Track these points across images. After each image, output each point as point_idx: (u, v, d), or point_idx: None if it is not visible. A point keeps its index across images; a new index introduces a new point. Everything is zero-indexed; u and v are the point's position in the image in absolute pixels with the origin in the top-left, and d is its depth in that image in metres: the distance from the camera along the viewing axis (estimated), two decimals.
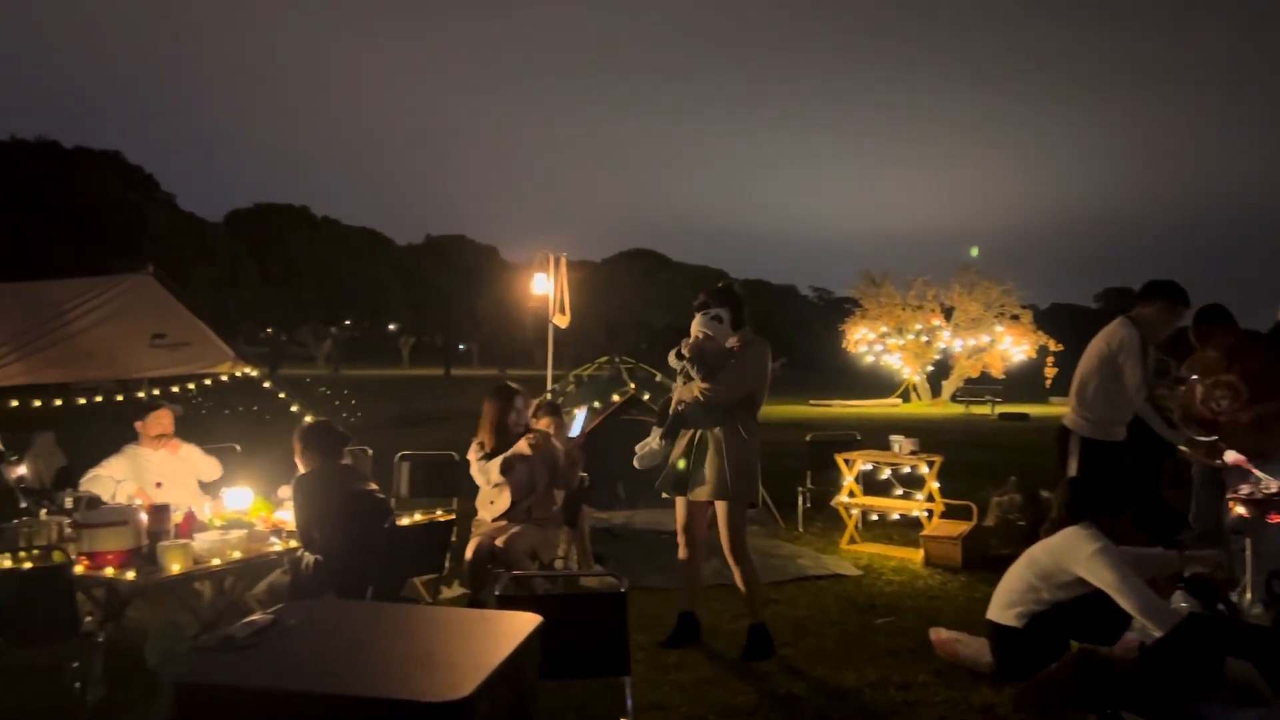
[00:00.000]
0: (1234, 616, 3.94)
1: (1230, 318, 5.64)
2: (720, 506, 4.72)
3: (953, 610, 5.61)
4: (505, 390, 5.48)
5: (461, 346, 66.46)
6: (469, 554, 5.12)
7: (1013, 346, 32.09)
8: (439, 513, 5.01)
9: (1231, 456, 5.13)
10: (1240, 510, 4.73)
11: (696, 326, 4.77)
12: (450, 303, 56.30)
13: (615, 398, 8.25)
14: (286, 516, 4.71)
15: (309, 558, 4.26)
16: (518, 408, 5.42)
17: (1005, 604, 4.00)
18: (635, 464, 4.98)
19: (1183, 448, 5.28)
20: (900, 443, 7.29)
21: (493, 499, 5.30)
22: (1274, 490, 4.70)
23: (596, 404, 8.15)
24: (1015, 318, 32.36)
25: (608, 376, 8.80)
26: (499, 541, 5.06)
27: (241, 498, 5.08)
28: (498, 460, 5.20)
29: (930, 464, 7.13)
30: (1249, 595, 4.77)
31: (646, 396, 8.22)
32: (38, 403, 6.56)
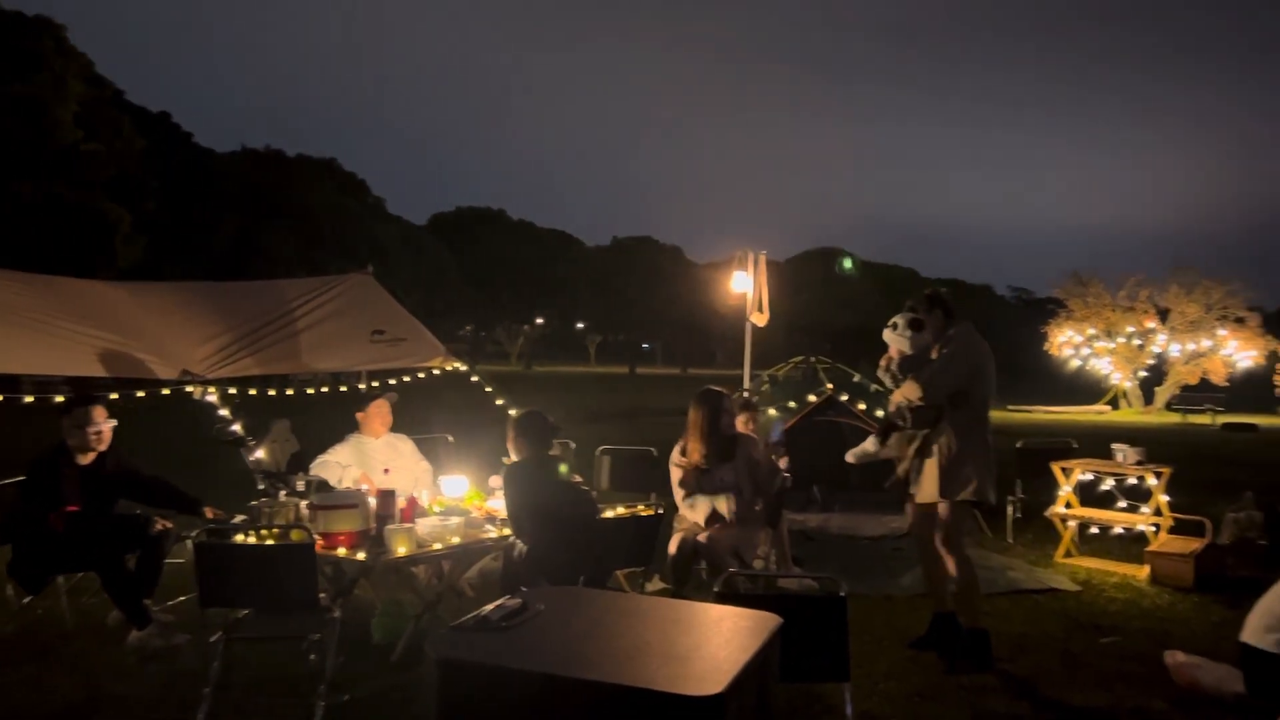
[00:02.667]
0: None
1: None
2: (942, 503, 4.62)
3: (1185, 633, 5.19)
4: (712, 395, 5.40)
5: (645, 345, 67.41)
6: (672, 549, 5.14)
7: (1237, 352, 29.51)
8: (643, 507, 5.05)
9: None
10: None
11: (893, 342, 4.78)
12: (635, 302, 57.20)
13: (811, 398, 8.10)
14: (498, 505, 4.87)
15: (520, 545, 4.39)
16: (727, 410, 5.38)
17: (1265, 627, 3.63)
18: (847, 458, 5.05)
19: None
20: (1125, 452, 6.80)
21: (694, 505, 5.28)
22: None
23: (792, 404, 8.04)
24: (1240, 321, 29.75)
25: (802, 376, 8.67)
26: (702, 538, 5.06)
27: (458, 485, 5.29)
28: (703, 507, 5.15)
29: (1158, 475, 6.62)
30: None
31: (845, 397, 8.04)
32: (272, 391, 7.09)
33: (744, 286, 7.89)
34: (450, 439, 7.08)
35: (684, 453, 5.28)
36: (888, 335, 4.86)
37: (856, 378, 8.57)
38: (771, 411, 8.05)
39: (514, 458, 4.52)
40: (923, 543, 4.90)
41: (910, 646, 4.82)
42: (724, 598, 2.96)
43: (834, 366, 8.68)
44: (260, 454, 6.02)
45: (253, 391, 6.79)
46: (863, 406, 7.95)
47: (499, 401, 7.08)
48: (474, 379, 7.34)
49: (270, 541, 4.05)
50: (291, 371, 7.06)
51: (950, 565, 4.64)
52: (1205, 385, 29.22)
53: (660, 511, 4.99)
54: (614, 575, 5.07)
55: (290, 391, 7.34)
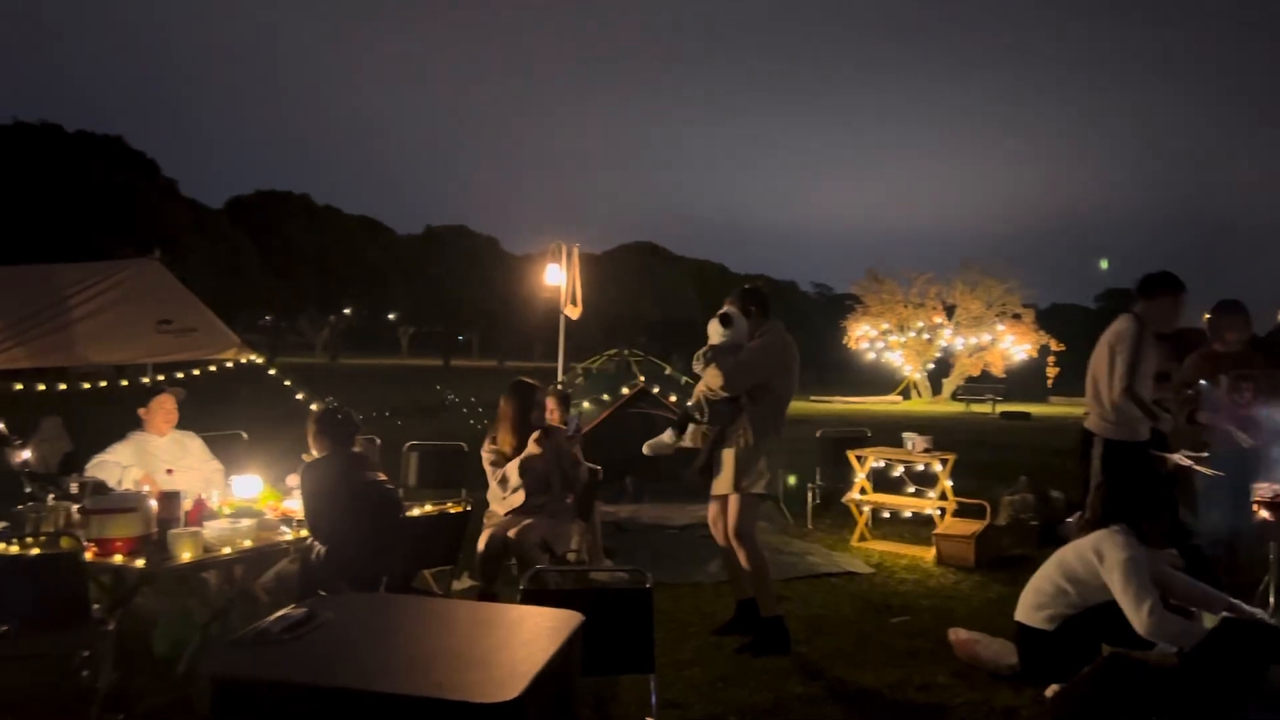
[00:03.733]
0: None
1: (1246, 312, 5.62)
2: (731, 500, 4.72)
3: (968, 610, 5.54)
4: (524, 387, 5.36)
5: (460, 337, 66.32)
6: (481, 546, 5.05)
7: (1014, 345, 32.02)
8: (451, 504, 4.93)
9: (1179, 456, 5.11)
10: (1264, 514, 4.66)
11: (711, 334, 4.85)
12: (450, 293, 56.12)
13: (624, 391, 8.17)
14: (295, 505, 4.64)
15: (319, 547, 4.19)
16: (539, 403, 5.33)
17: (1034, 606, 3.92)
18: (644, 449, 5.07)
19: (1179, 458, 5.22)
20: (914, 440, 7.22)
21: (505, 495, 5.22)
22: None
23: (605, 397, 8.08)
24: (1017, 317, 32.29)
25: (615, 369, 8.73)
26: (511, 533, 4.99)
27: (251, 485, 5.00)
28: (515, 465, 5.10)
29: (944, 462, 7.06)
30: (1271, 600, 4.72)
31: (656, 390, 8.14)
32: (41, 386, 6.48)
33: (557, 279, 7.85)
34: (245, 436, 6.69)
35: (494, 443, 5.22)
36: (710, 326, 4.93)
37: (668, 370, 8.71)
38: (586, 405, 8.07)
39: (313, 455, 4.31)
40: (719, 529, 4.98)
41: (715, 633, 4.92)
42: (530, 595, 2.92)
43: (646, 359, 8.79)
44: (27, 454, 5.51)
45: (19, 386, 6.19)
46: (674, 399, 8.09)
47: (299, 396, 6.76)
48: (271, 372, 6.97)
49: (35, 551, 3.69)
50: (68, 364, 6.50)
51: (742, 557, 4.75)
52: (986, 376, 31.55)
53: (469, 508, 4.89)
54: (421, 575, 4.93)
55: (64, 386, 6.73)
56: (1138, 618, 3.54)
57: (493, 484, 5.18)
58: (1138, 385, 4.76)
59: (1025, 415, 23.74)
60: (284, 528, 4.53)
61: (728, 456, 4.73)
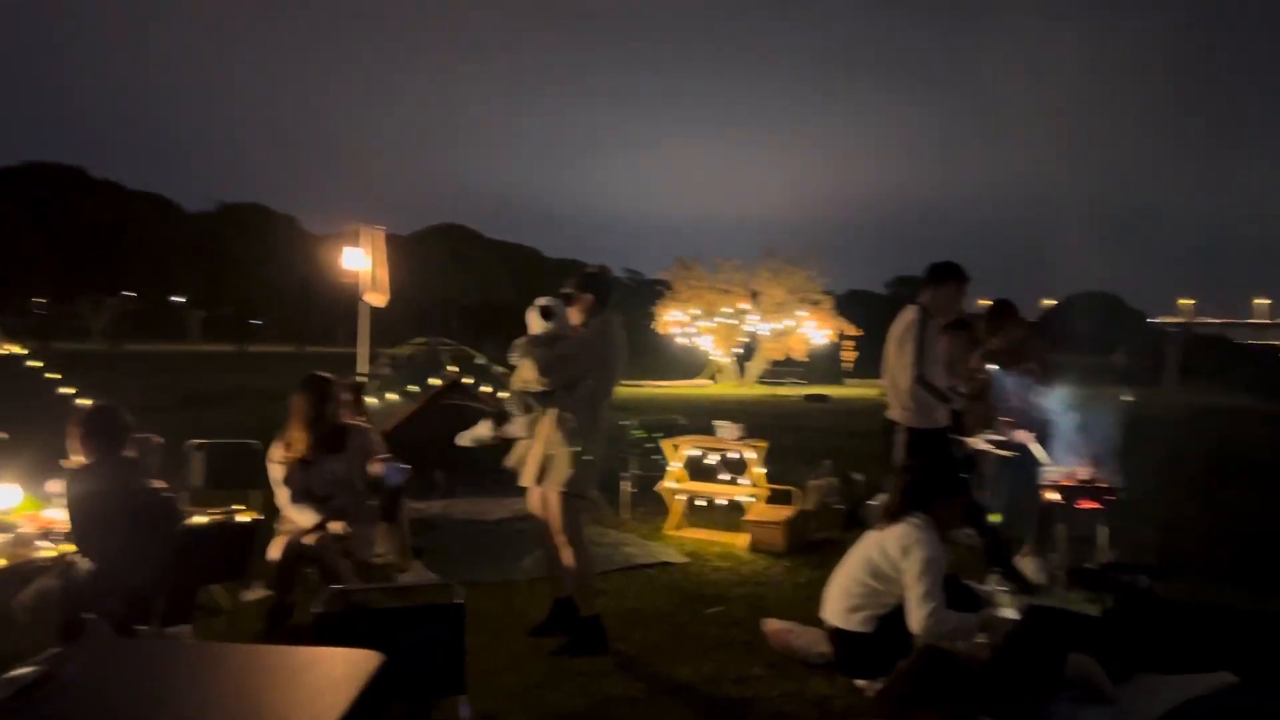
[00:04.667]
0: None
1: (1017, 311, 5.98)
2: (552, 494, 4.56)
3: (778, 597, 5.61)
4: (317, 381, 4.98)
5: (257, 321, 62.87)
6: (274, 553, 4.67)
7: (814, 331, 33.40)
8: (240, 510, 4.52)
9: (1022, 434, 5.40)
10: (1053, 496, 4.94)
11: (532, 324, 4.63)
12: (245, 274, 53.05)
13: (434, 381, 7.85)
14: (58, 515, 4.14)
15: (85, 564, 3.75)
16: (334, 397, 4.98)
17: (847, 609, 3.96)
18: (458, 440, 4.89)
19: (977, 442, 5.49)
20: (726, 427, 7.27)
21: (297, 511, 4.82)
22: (1085, 477, 4.94)
23: (414, 388, 7.74)
24: (816, 303, 33.68)
25: (425, 358, 8.38)
26: (309, 539, 4.65)
27: (8, 495, 4.43)
28: (310, 513, 4.72)
29: (756, 449, 7.16)
30: (1058, 580, 5.01)
31: (470, 380, 7.87)
32: None
33: (358, 264, 7.41)
34: (4, 435, 5.96)
35: (287, 446, 4.83)
36: (528, 317, 4.70)
37: (481, 359, 8.43)
38: (390, 396, 7.70)
39: (78, 460, 3.85)
40: (542, 527, 4.85)
41: (531, 634, 4.75)
42: (326, 619, 2.66)
43: (458, 348, 8.49)
44: None
45: None
46: (489, 389, 7.84)
47: (67, 390, 6.09)
48: (31, 363, 6.25)
49: None
50: None
51: (567, 556, 4.62)
52: (789, 361, 32.81)
53: (260, 516, 4.50)
54: (206, 590, 4.52)
55: None
56: (918, 614, 3.67)
57: (281, 495, 4.79)
58: (928, 372, 4.94)
59: (825, 398, 24.77)
60: (43, 542, 4.03)
61: (539, 451, 4.57)
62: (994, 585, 5.19)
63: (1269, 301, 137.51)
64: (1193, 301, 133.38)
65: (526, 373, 4.58)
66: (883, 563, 3.84)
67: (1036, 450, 5.40)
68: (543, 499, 4.70)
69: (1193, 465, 9.47)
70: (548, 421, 4.58)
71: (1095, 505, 4.83)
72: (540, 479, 4.56)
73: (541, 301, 4.72)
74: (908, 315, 5.07)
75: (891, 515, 3.94)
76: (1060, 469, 5.14)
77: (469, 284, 55.47)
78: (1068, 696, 2.66)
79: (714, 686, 4.18)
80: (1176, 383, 31.44)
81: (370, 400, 7.28)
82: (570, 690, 4.08)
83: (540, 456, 4.56)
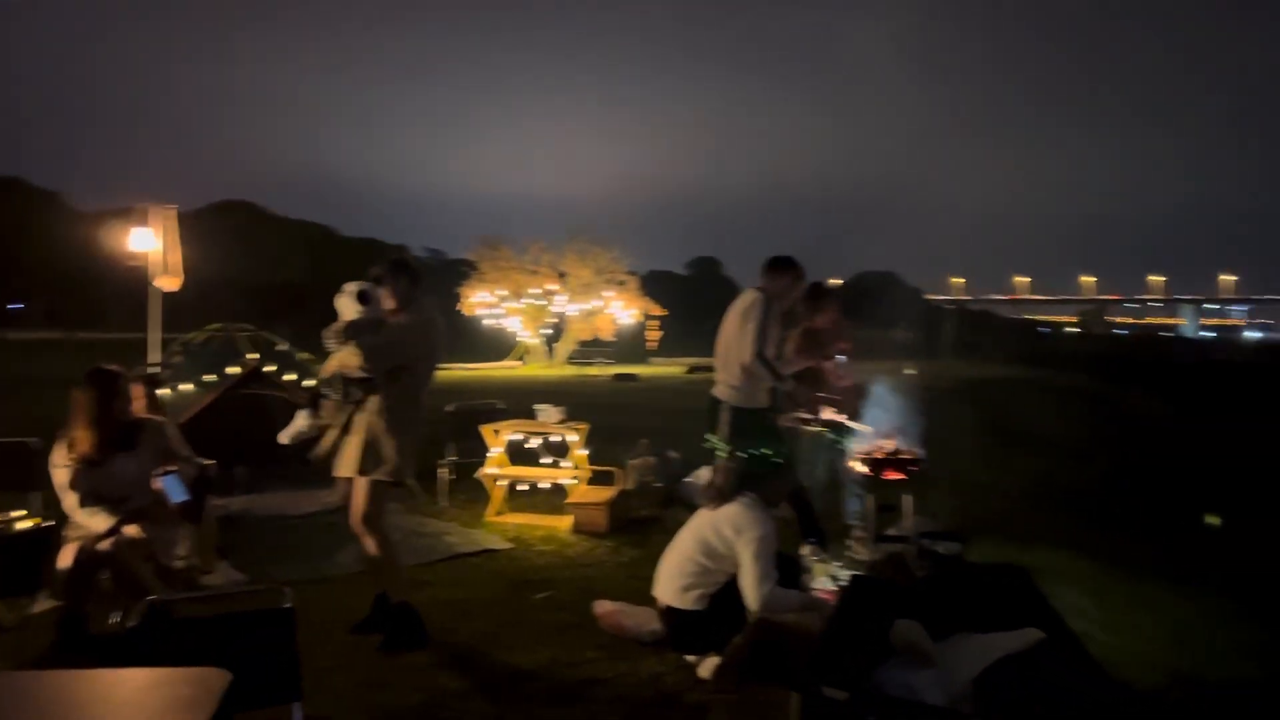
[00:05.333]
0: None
1: (832, 292, 6.28)
2: (358, 482, 4.40)
3: (605, 577, 5.65)
4: (103, 375, 4.55)
5: (16, 305, 57.25)
6: (64, 562, 4.26)
7: (621, 311, 33.86)
8: (20, 518, 4.10)
9: (830, 413, 5.68)
10: (861, 468, 5.21)
11: (344, 311, 4.44)
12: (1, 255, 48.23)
13: (233, 370, 7.39)
14: None
15: None
16: (122, 392, 4.59)
17: (681, 588, 4.02)
18: (280, 439, 4.69)
19: (794, 419, 5.74)
20: (547, 411, 7.24)
21: (88, 515, 4.42)
22: (891, 449, 5.24)
23: (211, 377, 7.26)
24: (622, 283, 34.15)
25: (220, 346, 7.87)
26: (104, 545, 4.27)
27: None
28: (103, 516, 4.34)
29: (577, 431, 7.16)
30: (863, 547, 5.30)
31: (271, 368, 7.45)
32: None
33: (147, 245, 6.86)
34: None
35: (70, 446, 4.41)
36: (339, 302, 4.51)
37: (283, 346, 8.01)
38: (185, 386, 7.20)
39: None
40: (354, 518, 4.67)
41: (354, 631, 4.57)
42: (141, 633, 2.45)
43: (256, 334, 8.02)
44: None
45: None
46: (291, 377, 7.46)
47: None
48: None
49: None
50: None
51: (368, 545, 4.48)
52: (597, 340, 33.13)
53: (50, 523, 4.09)
54: None
55: None
56: (754, 591, 3.79)
57: (68, 500, 4.38)
58: (766, 351, 5.11)
59: (633, 377, 25.16)
60: None
61: (355, 440, 4.41)
62: (809, 556, 5.44)
63: (1029, 280, 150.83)
64: (962, 280, 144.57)
65: (347, 359, 4.39)
66: (716, 542, 3.93)
67: (847, 425, 5.69)
68: (349, 486, 4.54)
69: (978, 433, 10.25)
70: (369, 409, 4.42)
71: (900, 476, 5.14)
72: (361, 468, 4.39)
73: (354, 286, 4.55)
74: (749, 296, 5.23)
75: (723, 495, 4.03)
76: (867, 443, 5.43)
77: (256, 264, 52.60)
78: (896, 662, 2.80)
79: (549, 672, 4.16)
80: (952, 355, 33.90)
81: (162, 391, 6.77)
82: (403, 687, 3.96)
83: (360, 445, 4.39)
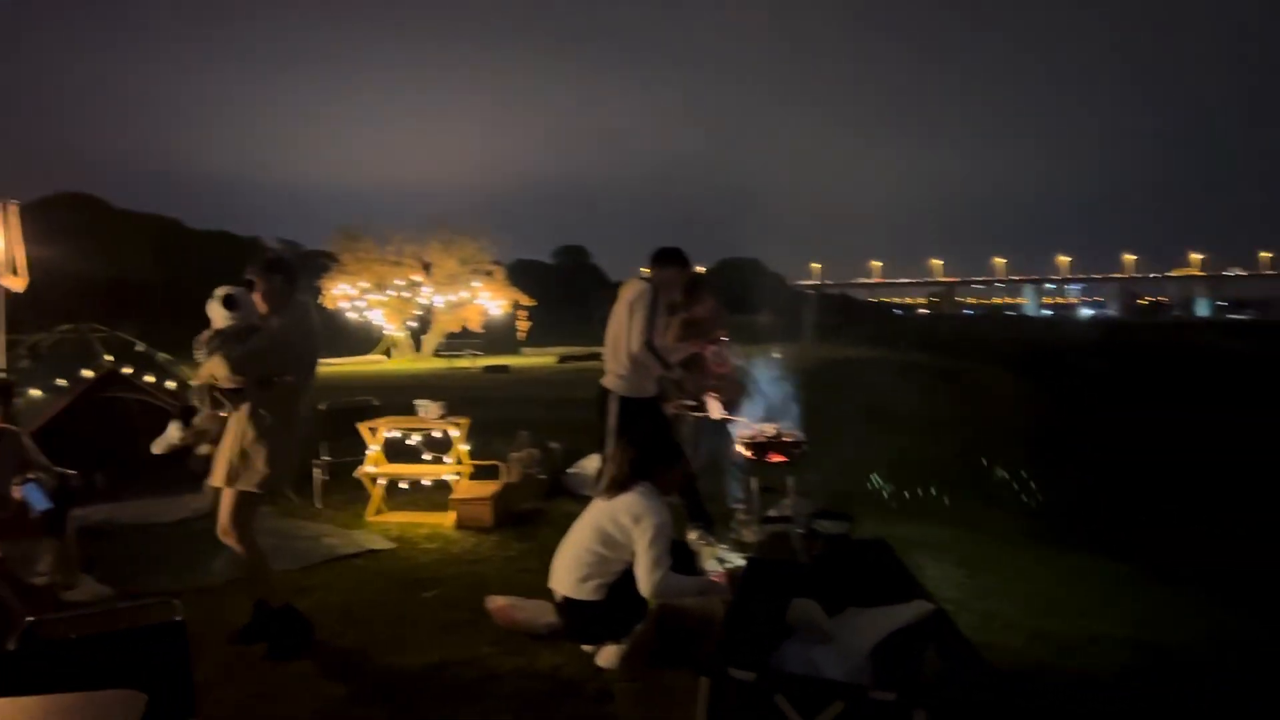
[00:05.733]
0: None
1: (710, 283, 6.42)
2: (226, 492, 4.27)
3: (494, 572, 5.63)
4: None
5: None
6: None
7: (489, 301, 33.47)
8: None
9: (713, 400, 5.82)
10: (746, 453, 5.35)
11: (214, 317, 4.27)
12: None
13: (87, 373, 6.99)
14: None
15: None
16: None
17: (579, 579, 4.04)
18: (153, 449, 4.54)
19: (677, 407, 5.85)
20: (427, 407, 7.12)
21: None
22: (773, 433, 5.40)
23: (63, 382, 6.85)
24: (489, 273, 33.75)
25: (74, 347, 7.44)
26: None
27: None
28: None
29: (459, 426, 7.07)
30: (748, 529, 5.45)
31: (129, 370, 7.09)
32: None
33: None
34: None
35: None
36: (209, 309, 4.32)
37: (141, 347, 7.62)
38: (34, 392, 6.78)
39: None
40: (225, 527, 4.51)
41: (236, 641, 4.42)
42: (18, 658, 2.32)
43: (111, 335, 7.60)
44: None
45: None
46: (151, 379, 7.11)
47: None
48: None
49: None
50: None
51: (236, 552, 4.35)
52: (465, 332, 32.65)
53: None
54: None
55: None
56: (648, 580, 3.84)
57: None
58: (654, 341, 5.18)
59: (505, 368, 24.95)
60: None
61: (228, 448, 4.25)
62: (696, 541, 5.56)
63: (880, 264, 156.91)
64: (819, 266, 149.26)
65: (216, 369, 4.21)
66: (614, 531, 3.97)
67: (729, 412, 5.84)
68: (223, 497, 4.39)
69: (843, 412, 10.62)
70: (240, 418, 4.25)
71: (783, 458, 5.31)
72: (229, 478, 4.23)
73: (223, 291, 4.35)
74: (637, 286, 5.28)
75: (619, 485, 4.07)
76: (750, 427, 5.58)
77: (98, 259, 49.64)
78: (796, 639, 2.91)
79: (444, 671, 4.11)
80: (813, 339, 34.94)
81: None
82: (294, 697, 3.85)
83: (230, 454, 4.23)
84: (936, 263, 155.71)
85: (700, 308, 6.07)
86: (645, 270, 5.64)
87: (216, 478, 4.28)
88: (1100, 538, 8.02)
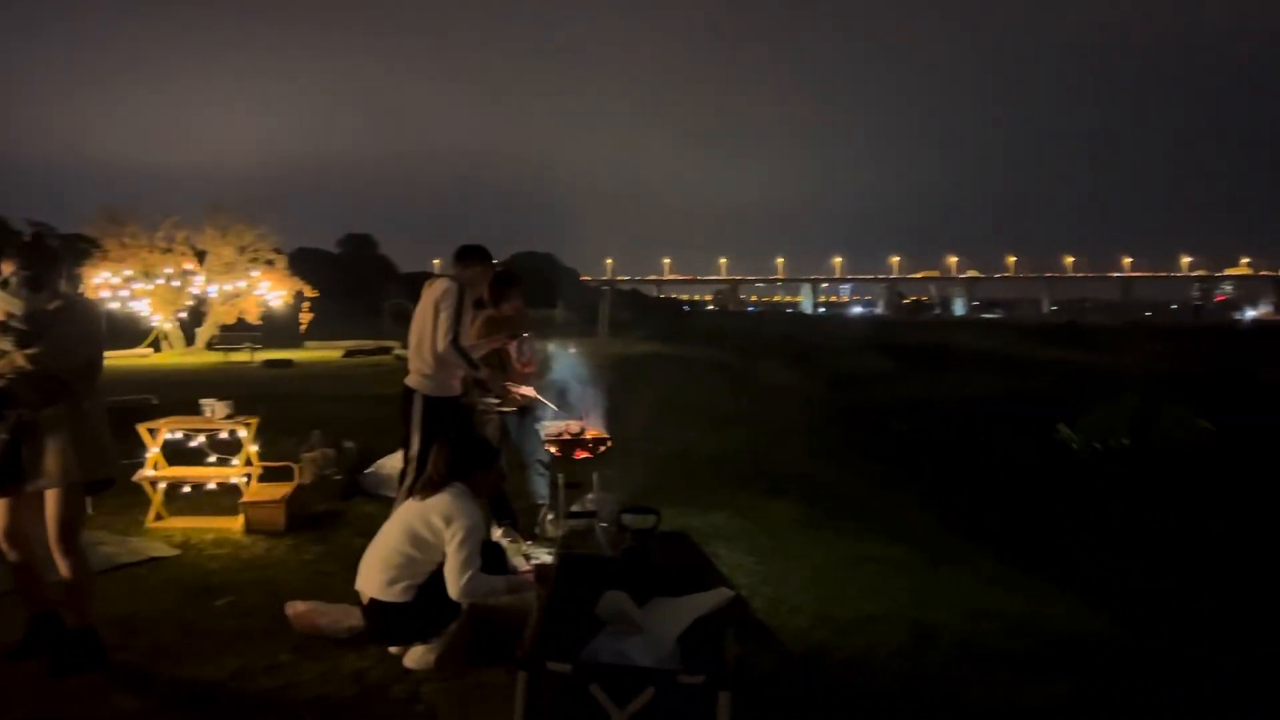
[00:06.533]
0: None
1: (520, 279, 6.47)
2: (56, 493, 3.99)
3: (289, 577, 5.47)
4: None
5: None
6: None
7: (269, 292, 31.92)
8: None
9: (518, 398, 5.90)
10: (553, 449, 5.45)
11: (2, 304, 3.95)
12: None
13: None
14: None
15: None
16: None
17: (386, 580, 3.99)
18: None
19: (484, 404, 5.88)
20: (213, 406, 6.76)
21: None
22: (578, 429, 5.53)
23: None
24: (270, 263, 32.17)
25: None
26: None
27: None
28: None
29: (247, 426, 6.77)
30: (553, 525, 5.56)
31: None
32: None
33: None
34: None
35: None
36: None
37: None
38: None
39: None
40: (11, 535, 4.17)
41: (9, 659, 4.08)
42: None
43: None
44: None
45: None
46: None
47: None
48: None
49: None
50: None
51: (68, 565, 4.06)
52: (242, 324, 30.95)
53: None
54: None
55: None
56: (458, 582, 3.87)
57: None
58: (461, 339, 5.18)
59: (288, 363, 23.87)
60: None
61: (53, 444, 3.95)
62: (502, 538, 5.62)
63: (669, 260, 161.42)
64: (611, 261, 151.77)
65: (21, 361, 3.87)
66: (426, 532, 3.96)
67: (535, 408, 5.93)
68: (16, 507, 4.07)
69: (639, 406, 10.91)
70: (52, 412, 3.95)
71: (588, 454, 5.44)
72: (53, 473, 3.93)
73: (21, 271, 4.02)
74: (443, 284, 5.24)
75: (433, 485, 4.06)
76: (556, 424, 5.69)
77: None
78: (607, 632, 3.03)
79: (241, 681, 3.99)
80: (608, 334, 35.50)
81: None
82: (78, 715, 3.64)
83: (49, 449, 3.93)
84: (723, 261, 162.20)
85: (508, 305, 6.12)
86: (436, 262, 5.62)
87: (41, 482, 3.96)
88: (876, 523, 8.69)
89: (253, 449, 6.81)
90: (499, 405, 5.80)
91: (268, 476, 6.93)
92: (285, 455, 7.45)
